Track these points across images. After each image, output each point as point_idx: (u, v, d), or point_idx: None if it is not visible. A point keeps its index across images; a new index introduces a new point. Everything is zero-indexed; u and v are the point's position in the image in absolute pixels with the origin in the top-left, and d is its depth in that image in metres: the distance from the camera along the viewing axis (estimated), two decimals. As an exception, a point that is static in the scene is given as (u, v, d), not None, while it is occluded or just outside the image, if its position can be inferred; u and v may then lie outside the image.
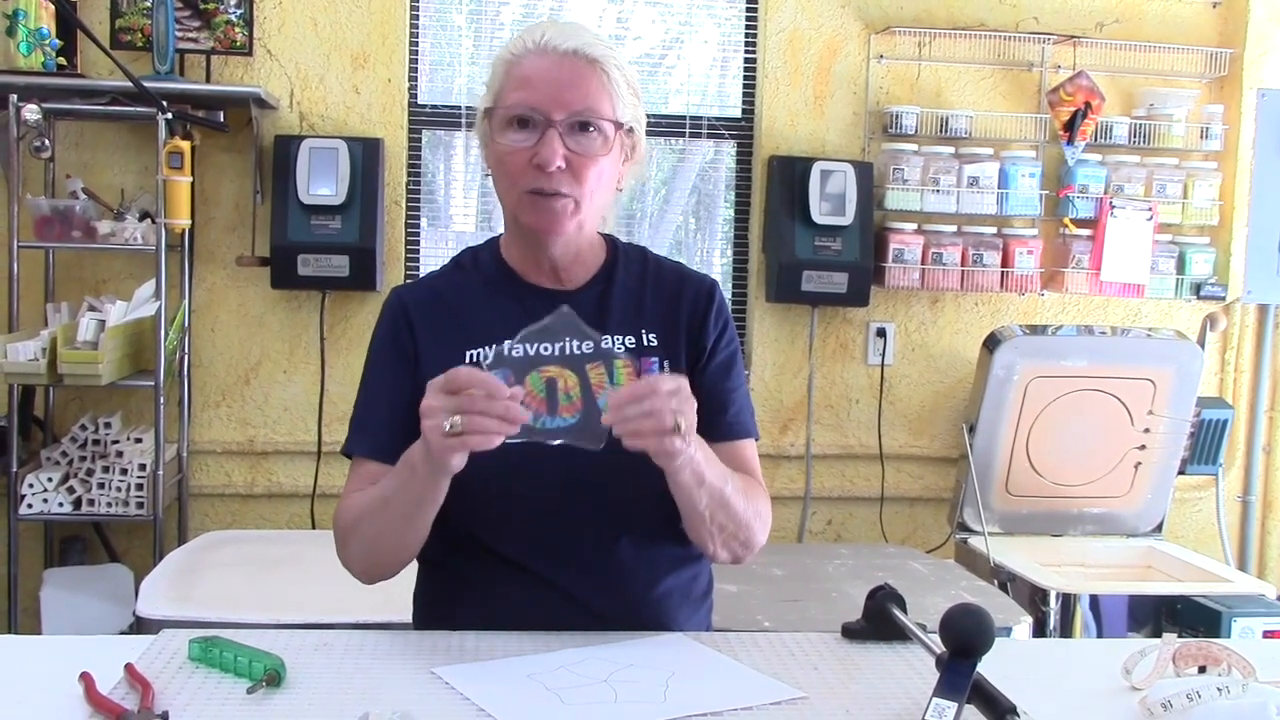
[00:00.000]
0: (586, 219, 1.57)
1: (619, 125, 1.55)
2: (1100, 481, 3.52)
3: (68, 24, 3.29)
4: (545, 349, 1.57)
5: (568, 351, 1.58)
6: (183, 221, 3.24)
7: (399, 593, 1.70)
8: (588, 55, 1.53)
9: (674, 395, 1.38)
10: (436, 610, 1.66)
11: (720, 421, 1.64)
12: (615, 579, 1.58)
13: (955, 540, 3.55)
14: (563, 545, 1.56)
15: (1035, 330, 3.49)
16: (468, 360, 1.58)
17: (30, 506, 3.20)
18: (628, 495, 1.54)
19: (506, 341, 1.53)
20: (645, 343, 1.62)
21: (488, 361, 1.53)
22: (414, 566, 1.64)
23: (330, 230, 3.45)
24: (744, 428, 1.68)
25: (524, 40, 1.56)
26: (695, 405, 1.40)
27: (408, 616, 1.71)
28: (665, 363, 1.61)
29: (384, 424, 1.60)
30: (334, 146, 3.45)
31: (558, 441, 1.41)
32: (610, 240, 1.70)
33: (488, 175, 1.62)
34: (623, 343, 1.61)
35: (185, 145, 3.18)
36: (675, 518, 1.63)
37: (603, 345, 1.50)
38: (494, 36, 3.84)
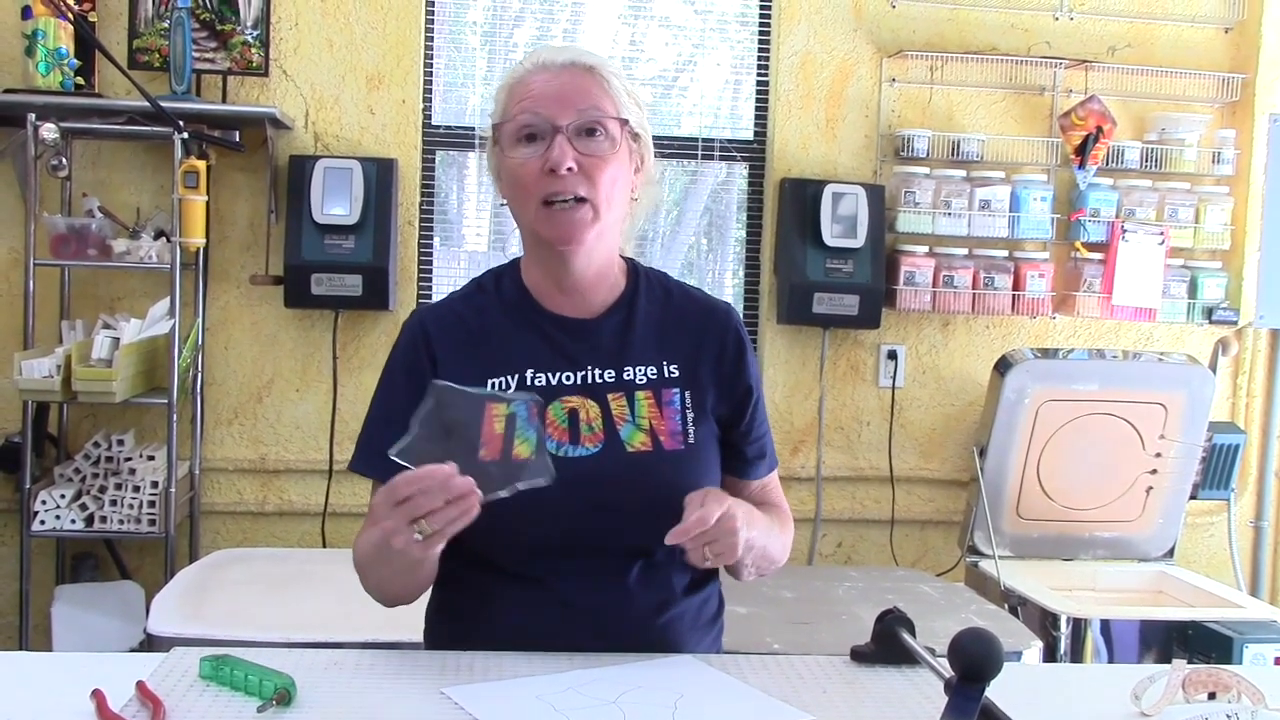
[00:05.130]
0: (606, 227, 1.57)
1: (623, 122, 1.57)
2: (1111, 506, 3.51)
3: (86, 44, 3.32)
4: (567, 378, 1.57)
5: (589, 380, 1.58)
6: (197, 240, 3.26)
7: (410, 612, 1.71)
8: (584, 64, 1.57)
9: (723, 526, 1.43)
10: (447, 626, 1.66)
11: (760, 464, 1.71)
12: (626, 602, 1.58)
13: (966, 563, 3.54)
14: (576, 567, 1.56)
15: (1046, 354, 3.49)
16: (489, 387, 1.57)
17: (43, 523, 3.22)
18: (642, 522, 1.55)
19: (529, 369, 1.54)
20: (666, 374, 1.62)
21: (509, 393, 1.53)
22: None
23: (344, 250, 3.47)
24: (774, 460, 1.74)
25: (522, 64, 1.60)
26: (740, 525, 1.45)
27: (418, 636, 1.71)
28: (686, 394, 1.61)
29: None
30: (348, 166, 3.47)
31: (520, 487, 1.39)
32: (631, 265, 1.69)
33: (503, 204, 1.63)
34: (644, 374, 1.61)
35: (201, 165, 3.20)
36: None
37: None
38: (507, 58, 3.87)
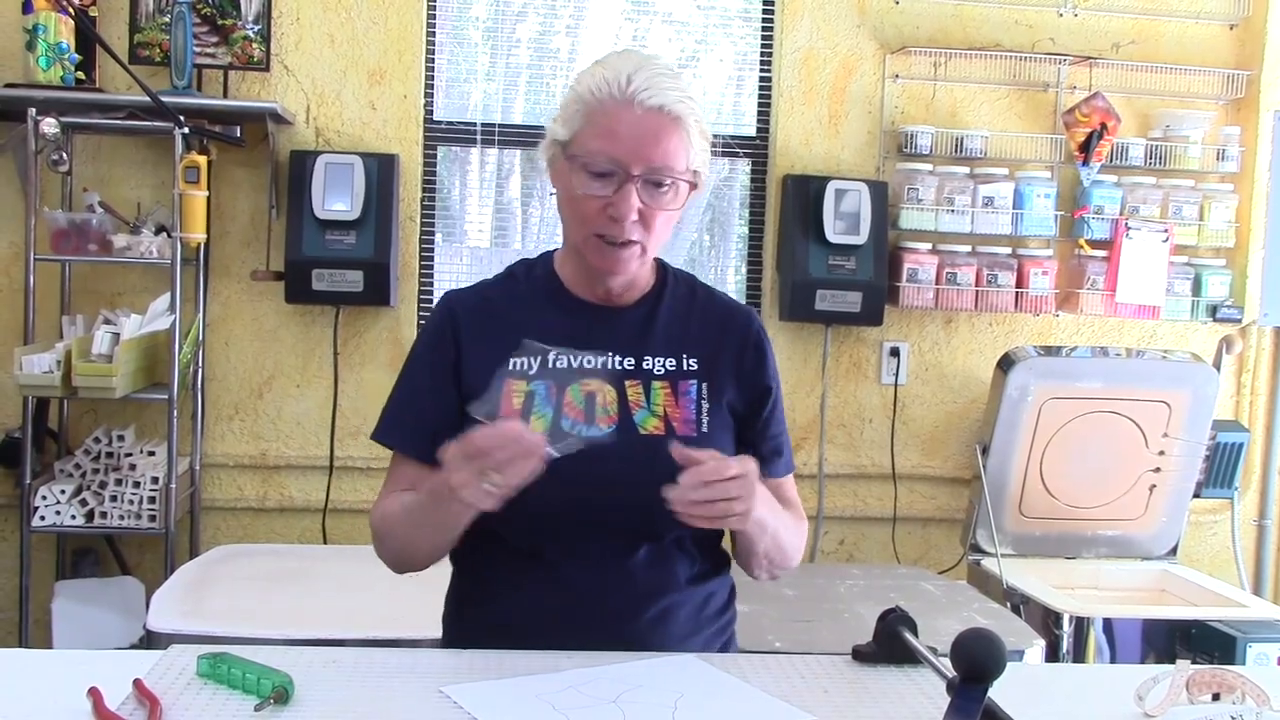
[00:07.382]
0: (649, 259, 1.64)
1: (693, 185, 1.59)
2: (1114, 504, 3.50)
3: (87, 39, 3.31)
4: (588, 362, 1.59)
5: (609, 366, 1.60)
6: (198, 235, 3.25)
7: (408, 609, 1.71)
8: (673, 113, 1.55)
9: (739, 482, 1.43)
10: (464, 609, 1.70)
11: (777, 462, 1.73)
12: (629, 586, 1.60)
13: (968, 562, 3.53)
14: (585, 547, 1.59)
15: (1049, 351, 3.48)
16: (511, 367, 1.60)
17: (43, 518, 3.21)
18: (655, 507, 1.55)
19: (551, 351, 1.56)
20: (685, 366, 1.65)
21: (531, 371, 1.55)
22: (448, 568, 1.70)
23: (345, 245, 3.46)
24: (790, 463, 1.77)
25: (610, 84, 1.54)
26: (756, 488, 1.46)
27: (418, 633, 1.73)
28: (703, 386, 1.64)
29: (424, 425, 1.63)
30: (349, 162, 3.47)
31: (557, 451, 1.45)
32: (660, 263, 1.74)
33: (552, 194, 1.66)
34: (663, 365, 1.64)
35: (201, 160, 3.19)
36: (698, 536, 1.64)
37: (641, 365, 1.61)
38: (510, 53, 3.85)
